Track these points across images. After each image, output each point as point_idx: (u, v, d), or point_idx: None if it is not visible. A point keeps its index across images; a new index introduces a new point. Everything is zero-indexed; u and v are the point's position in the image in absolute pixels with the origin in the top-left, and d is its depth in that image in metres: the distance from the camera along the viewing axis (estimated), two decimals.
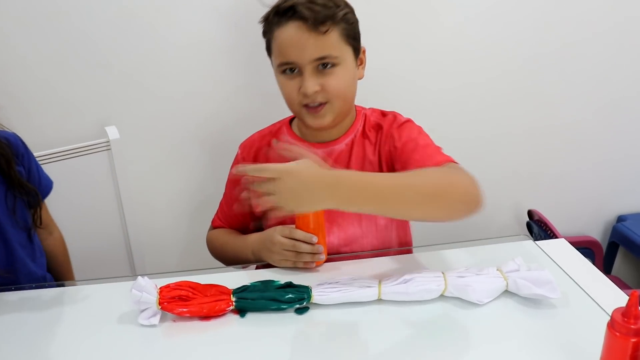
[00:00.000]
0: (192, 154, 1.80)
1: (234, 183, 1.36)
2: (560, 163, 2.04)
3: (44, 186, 1.33)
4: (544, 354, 0.93)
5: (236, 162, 1.39)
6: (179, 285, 1.04)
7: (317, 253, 1.15)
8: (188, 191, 1.85)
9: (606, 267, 2.18)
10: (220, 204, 1.44)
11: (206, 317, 1.03)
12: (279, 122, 1.39)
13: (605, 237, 2.19)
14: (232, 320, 1.04)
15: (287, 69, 1.20)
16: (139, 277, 1.03)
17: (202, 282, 1.07)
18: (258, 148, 1.35)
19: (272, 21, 1.20)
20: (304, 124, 1.27)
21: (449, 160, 1.16)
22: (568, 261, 1.17)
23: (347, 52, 1.20)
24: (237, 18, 1.64)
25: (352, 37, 1.21)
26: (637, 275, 2.21)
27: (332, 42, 1.16)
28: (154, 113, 1.71)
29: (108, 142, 1.64)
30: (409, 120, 1.29)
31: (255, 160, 1.33)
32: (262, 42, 1.27)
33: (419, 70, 1.81)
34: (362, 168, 1.27)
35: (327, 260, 1.20)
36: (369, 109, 1.34)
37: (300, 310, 1.05)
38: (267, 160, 1.31)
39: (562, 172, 2.05)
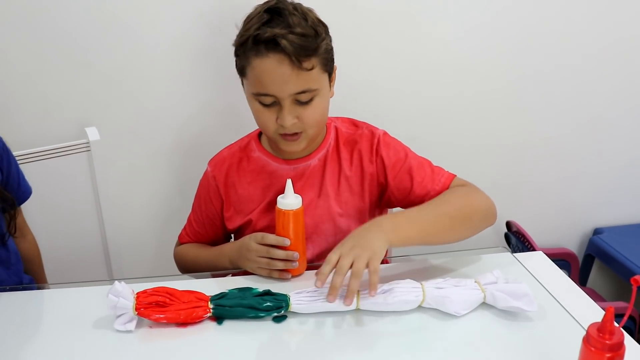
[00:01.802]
0: (172, 156, 1.79)
1: (203, 199, 1.36)
2: (539, 175, 2.06)
3: (22, 192, 1.32)
4: None
5: (206, 178, 1.35)
6: (156, 291, 1.03)
7: (291, 260, 1.13)
8: (166, 194, 1.84)
9: (582, 279, 2.20)
10: (189, 219, 1.41)
11: (183, 323, 1.03)
12: (246, 137, 1.35)
13: (582, 249, 2.21)
14: (209, 327, 1.03)
15: (264, 98, 1.15)
16: (116, 282, 1.02)
17: (180, 289, 1.06)
18: (229, 165, 1.31)
19: (250, 48, 1.12)
20: (277, 147, 1.25)
21: (452, 177, 1.24)
22: (545, 274, 1.18)
23: (324, 80, 1.17)
24: (220, 21, 1.63)
25: (330, 62, 1.18)
26: (612, 287, 2.23)
27: (314, 76, 1.13)
28: (135, 115, 1.70)
29: (88, 143, 1.62)
30: (386, 134, 1.29)
31: (227, 177, 1.31)
32: None
33: (402, 81, 1.82)
34: (338, 183, 1.26)
35: (307, 269, 1.19)
36: (339, 119, 1.32)
37: (278, 319, 1.05)
38: (239, 177, 1.30)
39: (540, 185, 2.07)
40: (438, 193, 1.22)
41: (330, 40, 1.19)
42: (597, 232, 2.17)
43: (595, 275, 2.23)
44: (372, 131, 1.28)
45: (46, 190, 1.58)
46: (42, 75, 1.59)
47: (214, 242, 1.38)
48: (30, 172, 1.38)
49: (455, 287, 1.07)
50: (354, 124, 1.31)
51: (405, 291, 1.06)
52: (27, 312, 1.10)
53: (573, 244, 2.22)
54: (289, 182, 1.11)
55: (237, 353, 0.98)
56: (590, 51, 1.88)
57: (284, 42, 1.08)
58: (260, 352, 0.98)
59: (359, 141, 1.27)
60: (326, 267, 1.02)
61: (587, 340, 0.81)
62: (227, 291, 1.07)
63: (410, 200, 1.24)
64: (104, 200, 1.70)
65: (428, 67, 1.81)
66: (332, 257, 1.02)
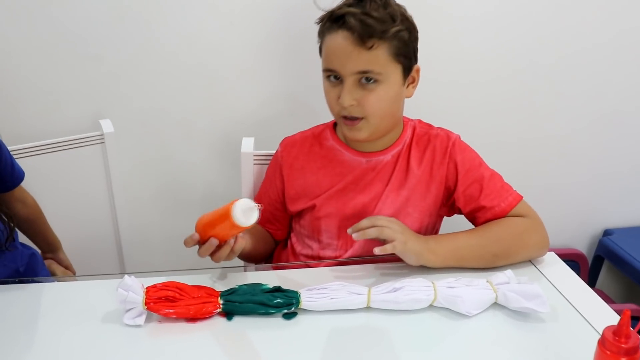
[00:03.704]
0: (183, 149, 1.79)
1: (268, 178, 1.37)
2: (549, 175, 2.03)
3: (16, 177, 1.33)
4: None
5: (274, 158, 1.37)
6: (166, 286, 1.02)
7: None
8: (178, 187, 1.84)
9: (591, 280, 2.19)
10: (254, 198, 1.42)
11: (193, 319, 1.02)
12: (321, 125, 1.35)
13: (591, 250, 2.19)
14: (219, 323, 1.03)
15: (331, 75, 1.17)
16: (126, 276, 1.01)
17: (190, 283, 1.06)
18: (299, 149, 1.33)
19: (325, 25, 1.17)
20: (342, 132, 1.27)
21: (519, 199, 1.24)
22: (557, 275, 1.17)
23: (394, 69, 1.16)
24: (232, 15, 1.62)
25: (404, 55, 1.16)
26: (621, 289, 2.21)
27: (377, 58, 1.12)
28: (148, 108, 1.71)
29: (102, 135, 1.63)
30: (460, 139, 1.29)
31: (295, 160, 1.32)
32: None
33: None
34: (405, 180, 1.26)
35: (315, 266, 1.20)
36: (416, 120, 1.32)
37: (288, 316, 1.04)
38: (309, 162, 1.31)
39: (550, 184, 2.04)
40: (503, 211, 1.22)
41: (413, 38, 1.19)
42: (607, 233, 2.15)
43: (604, 277, 2.21)
44: (447, 134, 1.28)
45: (60, 182, 1.60)
46: (55, 68, 1.60)
47: (273, 224, 1.39)
48: (44, 163, 1.39)
49: (467, 287, 1.06)
50: (430, 127, 1.31)
51: (416, 290, 1.05)
52: (34, 306, 1.09)
53: (582, 244, 2.20)
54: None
55: (246, 349, 0.97)
56: (602, 48, 1.85)
57: (351, 20, 1.10)
58: (270, 348, 0.97)
59: (432, 141, 1.27)
60: (366, 221, 1.11)
61: (602, 343, 0.80)
62: (237, 287, 1.07)
63: (473, 209, 1.25)
64: (117, 191, 1.70)
65: (435, 64, 1.77)
66: (376, 218, 1.12)
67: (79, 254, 1.57)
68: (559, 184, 2.06)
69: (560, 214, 2.12)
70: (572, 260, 2.13)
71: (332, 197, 1.29)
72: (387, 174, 1.27)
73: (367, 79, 1.14)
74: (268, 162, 1.43)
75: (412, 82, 1.22)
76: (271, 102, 1.73)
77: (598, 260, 2.17)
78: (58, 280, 1.33)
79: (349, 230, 1.12)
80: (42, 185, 1.38)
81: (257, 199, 1.38)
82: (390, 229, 1.11)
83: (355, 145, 1.28)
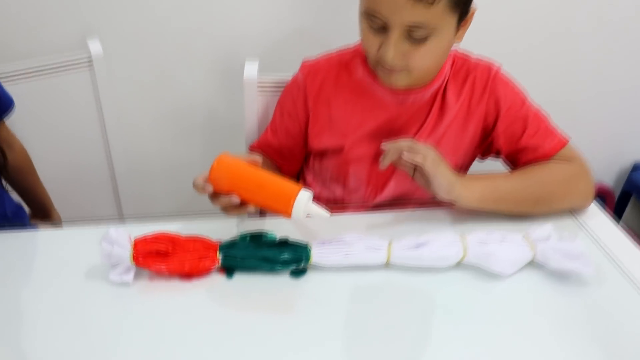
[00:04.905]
0: (182, 72, 1.64)
1: (286, 107, 1.20)
2: (578, 104, 1.88)
3: (2, 103, 1.20)
4: (574, 339, 0.81)
5: (294, 84, 1.17)
6: (156, 238, 0.90)
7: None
8: (177, 113, 1.70)
9: (616, 216, 2.06)
10: (266, 129, 1.25)
11: (188, 276, 0.90)
12: (349, 50, 1.15)
13: (619, 185, 2.07)
14: (217, 280, 0.91)
15: (373, 18, 0.97)
16: (110, 229, 0.88)
17: (186, 232, 0.94)
18: (325, 77, 1.14)
19: None
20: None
21: (565, 142, 1.11)
22: (600, 230, 1.04)
23: (449, 21, 0.97)
24: None
25: (464, 3, 0.97)
26: None
27: (436, 12, 0.93)
28: (141, 25, 1.55)
29: (90, 57, 1.47)
30: (501, 71, 1.11)
31: (321, 89, 1.14)
32: None
33: None
34: (442, 119, 1.11)
35: (337, 211, 1.06)
36: (454, 51, 1.13)
37: (297, 273, 0.92)
38: (336, 94, 1.14)
39: (579, 114, 1.90)
40: (547, 153, 1.09)
41: None
42: (636, 167, 2.03)
43: (630, 213, 2.10)
44: (488, 64, 1.11)
45: (45, 112, 1.47)
46: None
47: (287, 160, 1.24)
48: (25, 92, 1.25)
49: (501, 243, 0.93)
50: (467, 53, 1.14)
51: (443, 246, 0.93)
52: (11, 258, 0.97)
53: (609, 178, 2.08)
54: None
55: (248, 311, 0.86)
56: None
57: None
58: (275, 310, 0.86)
59: (472, 73, 1.11)
60: (405, 142, 0.98)
61: None
62: (238, 238, 0.94)
63: (514, 150, 1.12)
64: (109, 121, 1.57)
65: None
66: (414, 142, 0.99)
67: (69, 194, 1.48)
68: (588, 114, 1.91)
69: (588, 145, 1.94)
70: (598, 194, 2.00)
71: (363, 139, 1.14)
72: (424, 113, 1.11)
73: (417, 32, 0.95)
74: (275, 90, 1.27)
75: (464, 25, 1.03)
76: (279, 21, 1.56)
77: (625, 196, 2.06)
78: (35, 229, 1.19)
79: (383, 145, 0.99)
80: (25, 117, 1.25)
81: (271, 132, 1.22)
82: (426, 155, 0.97)
83: (387, 80, 1.10)
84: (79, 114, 1.53)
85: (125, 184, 1.65)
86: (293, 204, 0.88)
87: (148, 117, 1.69)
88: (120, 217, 1.70)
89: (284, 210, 0.89)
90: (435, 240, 0.93)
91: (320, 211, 0.90)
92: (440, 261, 0.92)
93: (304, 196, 0.89)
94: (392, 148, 0.98)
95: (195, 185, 0.94)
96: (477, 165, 1.21)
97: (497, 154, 1.16)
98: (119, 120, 1.59)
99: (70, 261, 0.94)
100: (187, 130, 1.73)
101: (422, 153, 0.97)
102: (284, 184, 0.90)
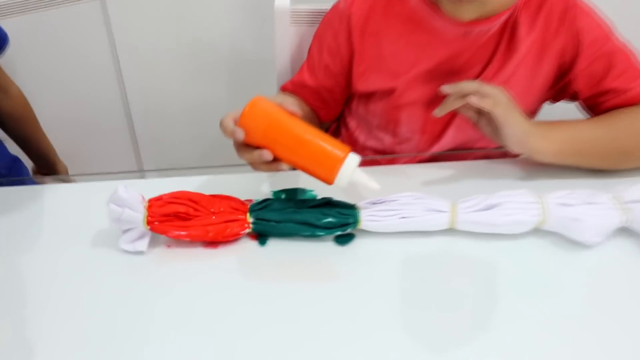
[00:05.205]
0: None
1: (326, 42, 1.03)
2: None
3: None
4: None
5: (336, 14, 1.01)
6: (175, 198, 0.75)
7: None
8: (199, 49, 1.60)
9: None
10: (301, 67, 1.08)
11: (212, 243, 0.77)
12: None
13: None
14: (247, 248, 0.77)
15: None
16: (119, 186, 0.73)
17: (209, 189, 0.79)
18: (372, 5, 0.97)
19: None
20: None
21: None
22: None
23: None
24: None
25: None
26: None
27: None
28: None
29: None
30: (581, 1, 0.94)
31: (368, 21, 0.98)
32: None
33: None
34: (512, 55, 0.95)
35: (387, 163, 0.94)
36: None
37: (342, 239, 0.78)
38: (386, 26, 0.97)
39: None
40: (635, 97, 0.92)
41: None
42: None
43: None
44: None
45: (48, 49, 1.38)
46: None
47: (326, 104, 1.08)
48: (27, 26, 1.18)
49: (588, 206, 0.77)
50: None
51: (519, 208, 0.77)
52: (10, 218, 0.83)
53: None
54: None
55: (285, 284, 0.72)
56: None
57: None
58: (317, 284, 0.72)
59: (547, 1, 0.94)
60: (470, 84, 0.83)
61: None
62: (272, 197, 0.80)
63: (596, 93, 0.95)
64: (123, 58, 1.48)
65: None
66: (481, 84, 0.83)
67: (80, 144, 1.39)
68: None
69: None
70: None
71: (418, 80, 0.97)
72: (489, 49, 0.95)
73: None
74: (311, 22, 1.10)
75: None
76: None
77: None
78: (44, 183, 1.07)
79: (444, 87, 0.84)
80: (25, 56, 1.16)
81: (308, 70, 1.06)
82: (497, 99, 0.83)
83: (450, 9, 0.93)
84: (88, 51, 1.45)
85: (143, 130, 1.59)
86: (338, 170, 0.73)
87: (165, 52, 1.57)
88: (139, 166, 1.59)
89: (326, 175, 0.74)
90: (508, 200, 0.78)
91: (369, 181, 0.75)
92: (515, 226, 0.77)
93: (353, 161, 0.73)
94: (454, 91, 0.83)
95: (223, 127, 0.77)
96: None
97: (574, 97, 0.99)
98: (134, 57, 1.50)
99: (75, 223, 0.81)
100: (210, 68, 1.61)
101: (492, 97, 0.82)
102: (330, 143, 0.74)
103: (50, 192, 0.92)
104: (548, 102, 1.03)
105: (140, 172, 1.62)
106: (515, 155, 0.89)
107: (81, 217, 0.82)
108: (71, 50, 1.41)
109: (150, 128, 1.59)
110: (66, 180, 1.26)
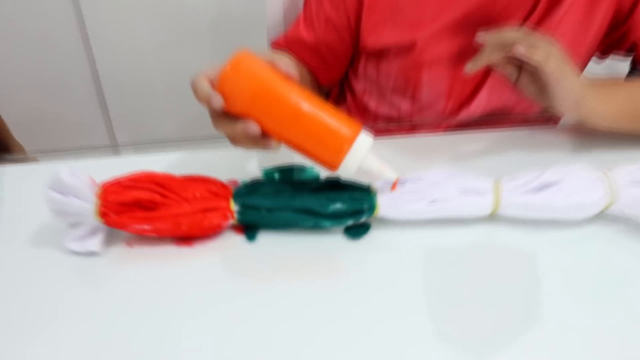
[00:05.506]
0: None
1: None
2: None
3: None
4: None
5: None
6: (135, 181, 0.59)
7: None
8: (178, 7, 1.45)
9: None
10: (296, 19, 0.93)
11: (186, 239, 0.60)
12: None
13: None
14: (231, 245, 0.61)
15: None
16: (61, 169, 0.56)
17: (183, 169, 0.63)
18: None
19: None
20: None
21: None
22: None
23: None
24: None
25: None
26: None
27: None
28: None
29: None
30: None
31: None
32: None
33: None
34: (557, 2, 0.80)
35: (405, 134, 0.79)
36: None
37: (355, 231, 0.62)
38: None
39: None
40: None
41: None
42: None
43: None
44: None
45: (19, 25, 1.28)
46: None
47: (326, 63, 0.92)
48: None
49: None
50: None
51: (580, 187, 0.61)
52: None
53: None
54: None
55: (281, 290, 0.56)
56: None
57: None
58: (322, 288, 0.56)
59: None
60: (512, 32, 0.71)
61: None
62: (263, 176, 0.64)
63: None
64: (89, 21, 1.35)
65: None
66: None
67: (47, 115, 1.27)
68: None
69: None
70: None
71: (443, 32, 0.81)
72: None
73: None
74: None
75: None
76: None
77: None
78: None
79: (481, 35, 0.72)
80: None
81: (304, 23, 0.89)
82: (549, 52, 0.69)
83: None
84: (51, 13, 1.31)
85: (115, 101, 1.45)
86: (346, 153, 0.56)
87: (142, 14, 1.45)
88: (111, 140, 1.45)
89: (329, 158, 0.57)
90: (567, 178, 0.61)
91: (383, 170, 0.59)
92: (576, 210, 0.62)
93: (365, 143, 0.56)
94: (494, 40, 0.69)
95: (195, 90, 0.60)
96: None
97: (629, 50, 0.84)
98: (103, 19, 1.37)
99: (18, 214, 0.65)
100: (192, 25, 1.50)
101: (543, 49, 0.67)
102: (336, 117, 0.57)
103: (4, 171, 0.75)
104: (595, 56, 0.87)
105: (113, 147, 1.48)
106: (557, 122, 0.73)
107: (26, 205, 0.65)
108: (31, 11, 1.29)
109: (123, 97, 1.46)
110: (21, 160, 1.11)
